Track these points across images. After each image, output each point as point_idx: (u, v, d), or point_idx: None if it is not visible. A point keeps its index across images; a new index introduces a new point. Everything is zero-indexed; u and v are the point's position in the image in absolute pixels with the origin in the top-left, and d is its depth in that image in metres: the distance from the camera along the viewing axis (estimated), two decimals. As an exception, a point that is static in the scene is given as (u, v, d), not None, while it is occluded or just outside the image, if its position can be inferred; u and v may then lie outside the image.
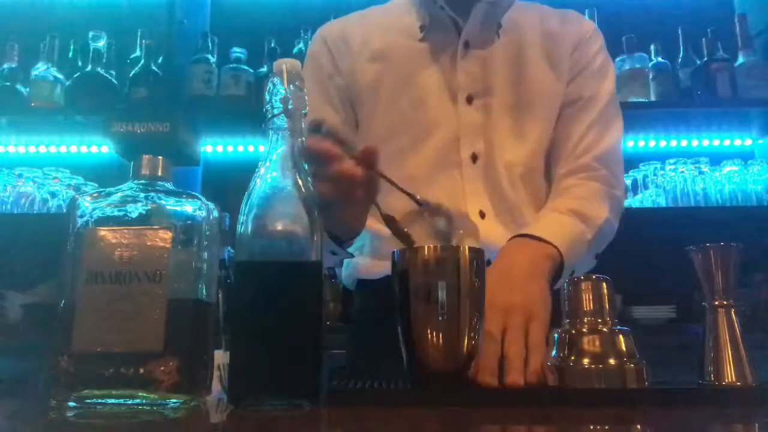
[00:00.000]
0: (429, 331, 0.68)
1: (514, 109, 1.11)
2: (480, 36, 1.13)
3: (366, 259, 1.14)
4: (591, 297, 0.68)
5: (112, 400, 0.59)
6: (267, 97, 0.67)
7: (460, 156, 1.10)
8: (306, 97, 0.68)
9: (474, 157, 1.10)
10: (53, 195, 2.25)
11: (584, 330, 0.67)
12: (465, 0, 1.11)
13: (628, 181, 2.29)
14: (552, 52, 1.15)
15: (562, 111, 1.14)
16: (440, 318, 0.67)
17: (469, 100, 1.11)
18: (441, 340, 0.67)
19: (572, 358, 0.66)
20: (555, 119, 1.14)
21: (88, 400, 0.59)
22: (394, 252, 0.72)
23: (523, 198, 1.11)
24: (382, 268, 1.04)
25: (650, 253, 2.06)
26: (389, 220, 0.78)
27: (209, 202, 0.68)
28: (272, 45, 2.30)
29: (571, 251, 0.96)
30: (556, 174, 1.12)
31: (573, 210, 1.04)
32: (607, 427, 0.56)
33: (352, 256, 1.05)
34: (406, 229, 0.78)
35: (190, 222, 0.66)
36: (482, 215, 1.09)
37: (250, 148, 2.49)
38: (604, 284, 0.69)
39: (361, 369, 1.08)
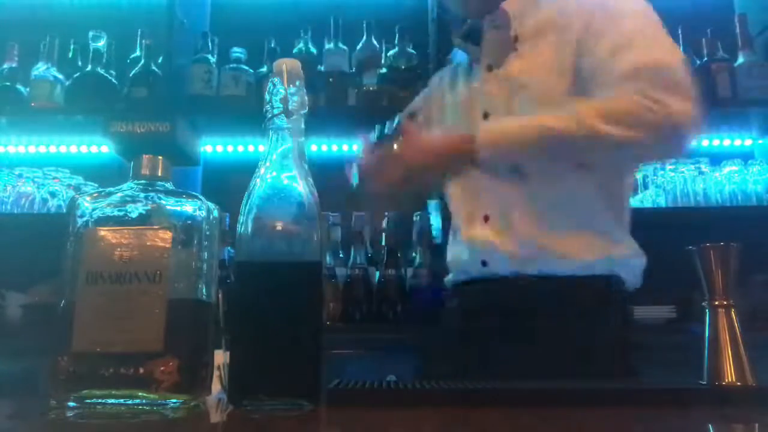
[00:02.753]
0: None
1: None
2: (499, 56, 1.21)
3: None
4: None
5: (112, 400, 0.59)
6: (267, 97, 0.67)
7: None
8: (306, 97, 0.68)
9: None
10: (53, 195, 2.24)
11: None
12: (477, 32, 1.25)
13: (628, 181, 2.29)
14: (562, 45, 1.16)
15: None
16: None
17: (486, 116, 1.22)
18: None
19: None
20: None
21: (88, 400, 0.59)
22: None
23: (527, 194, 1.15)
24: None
25: (650, 253, 2.06)
26: None
27: (209, 202, 0.68)
28: (272, 45, 2.30)
29: (495, 145, 1.13)
30: None
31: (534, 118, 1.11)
32: (607, 427, 0.56)
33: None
34: None
35: (190, 222, 0.66)
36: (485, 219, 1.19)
37: (250, 148, 2.49)
38: None
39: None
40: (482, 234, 1.17)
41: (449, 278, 1.30)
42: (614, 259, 1.15)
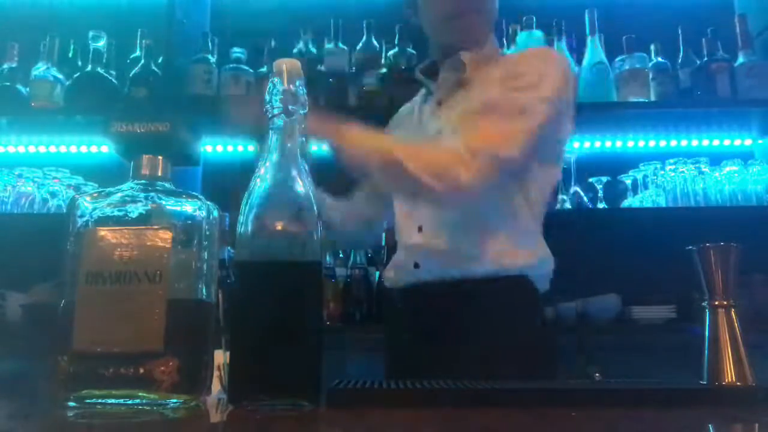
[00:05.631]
0: None
1: None
2: (449, 94, 1.33)
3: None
4: None
5: (112, 400, 0.59)
6: (267, 97, 0.67)
7: None
8: (306, 97, 0.68)
9: None
10: (53, 195, 2.24)
11: None
12: (436, 68, 1.38)
13: (628, 181, 2.29)
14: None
15: None
16: None
17: None
18: None
19: None
20: None
21: (88, 400, 0.59)
22: None
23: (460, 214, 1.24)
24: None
25: (650, 253, 2.06)
26: None
27: (209, 202, 0.68)
28: (272, 45, 2.30)
29: (354, 146, 1.15)
30: None
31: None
32: (606, 427, 0.56)
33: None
34: None
35: (190, 222, 0.66)
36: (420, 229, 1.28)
37: (250, 148, 2.49)
38: None
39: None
40: (416, 240, 1.29)
41: (389, 282, 1.37)
42: (525, 263, 1.22)
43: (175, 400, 0.60)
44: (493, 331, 1.18)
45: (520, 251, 1.22)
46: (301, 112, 0.67)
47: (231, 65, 2.24)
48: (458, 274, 1.22)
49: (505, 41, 2.24)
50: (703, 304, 0.74)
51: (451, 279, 1.22)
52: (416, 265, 1.27)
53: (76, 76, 2.24)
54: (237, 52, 2.27)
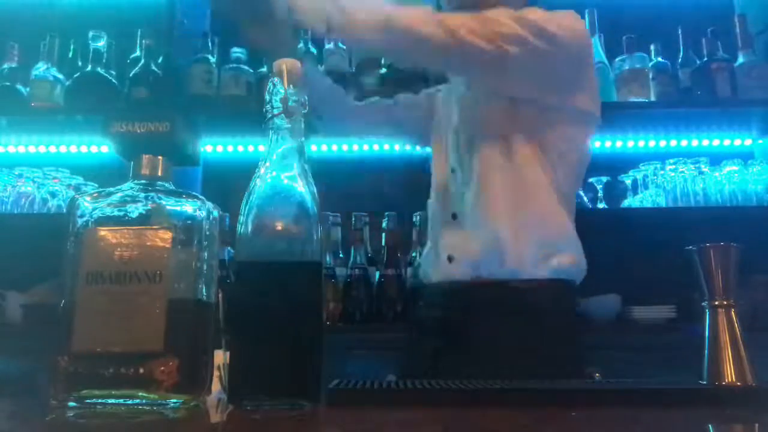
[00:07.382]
0: None
1: None
2: None
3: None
4: None
5: (112, 400, 0.59)
6: (267, 97, 0.67)
7: None
8: (306, 97, 0.68)
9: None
10: (53, 195, 2.24)
11: None
12: None
13: (628, 181, 2.29)
14: None
15: None
16: None
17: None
18: None
19: None
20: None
21: (88, 400, 0.59)
22: None
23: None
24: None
25: (650, 253, 2.06)
26: None
27: (209, 202, 0.68)
28: (272, 45, 2.30)
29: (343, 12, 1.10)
30: None
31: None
32: (607, 427, 0.56)
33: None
34: None
35: (190, 222, 0.66)
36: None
37: (250, 148, 2.49)
38: None
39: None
40: (450, 232, 1.25)
41: (421, 278, 1.36)
42: (561, 267, 1.19)
43: (175, 400, 0.60)
44: (527, 335, 1.13)
45: (557, 254, 1.18)
46: (302, 112, 0.67)
47: (231, 65, 2.24)
48: (487, 273, 1.18)
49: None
50: (703, 304, 0.74)
51: (484, 278, 1.18)
52: (450, 259, 1.23)
53: (76, 76, 2.24)
54: (237, 52, 2.27)
